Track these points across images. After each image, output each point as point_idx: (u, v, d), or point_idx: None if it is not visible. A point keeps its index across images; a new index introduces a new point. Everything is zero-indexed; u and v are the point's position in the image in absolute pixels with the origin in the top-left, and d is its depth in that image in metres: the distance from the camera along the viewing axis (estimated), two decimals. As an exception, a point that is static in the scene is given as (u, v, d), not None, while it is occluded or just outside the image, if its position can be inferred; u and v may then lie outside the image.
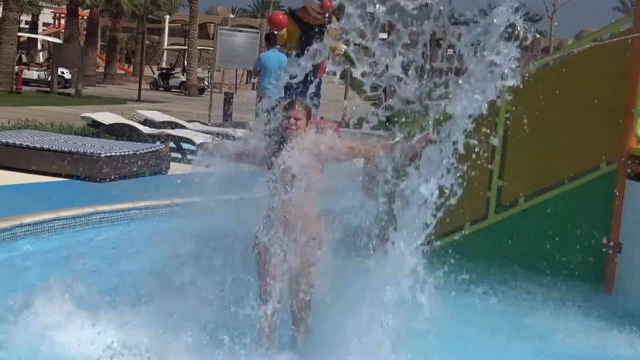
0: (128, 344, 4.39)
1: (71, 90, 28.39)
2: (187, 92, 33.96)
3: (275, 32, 7.67)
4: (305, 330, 4.78)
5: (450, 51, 4.51)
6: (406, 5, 4.43)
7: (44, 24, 54.45)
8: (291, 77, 7.91)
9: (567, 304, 6.10)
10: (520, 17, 4.27)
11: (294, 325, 4.81)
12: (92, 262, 6.44)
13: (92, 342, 4.45)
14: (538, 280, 6.42)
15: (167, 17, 50.53)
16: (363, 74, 4.70)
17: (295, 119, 4.66)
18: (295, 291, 4.75)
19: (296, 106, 4.72)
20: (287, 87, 7.95)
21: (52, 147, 9.88)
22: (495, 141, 5.68)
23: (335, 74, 5.08)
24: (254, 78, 14.44)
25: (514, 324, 5.64)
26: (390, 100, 4.84)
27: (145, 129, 12.40)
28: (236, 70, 32.38)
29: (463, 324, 5.44)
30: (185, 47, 36.69)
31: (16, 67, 27.49)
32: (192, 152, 12.14)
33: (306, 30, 7.59)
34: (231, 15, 79.34)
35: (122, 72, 44.77)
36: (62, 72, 30.24)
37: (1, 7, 28.61)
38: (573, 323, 5.78)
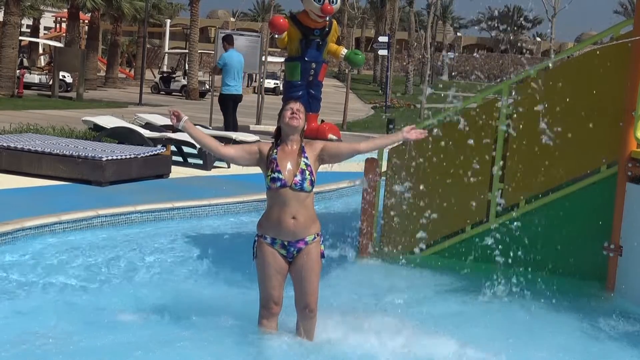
0: None
1: (72, 94, 28.39)
2: (188, 96, 33.96)
3: (277, 36, 7.69)
4: (310, 329, 4.81)
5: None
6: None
7: (45, 28, 54.55)
8: (294, 79, 7.93)
9: (567, 304, 6.11)
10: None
11: (299, 324, 4.84)
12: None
13: None
14: (539, 280, 6.43)
15: (168, 20, 50.62)
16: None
17: (298, 110, 4.74)
18: (301, 294, 4.76)
19: (296, 101, 4.90)
20: (290, 89, 7.96)
21: (53, 150, 9.88)
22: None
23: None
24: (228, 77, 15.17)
25: (514, 321, 5.65)
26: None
27: (147, 133, 12.38)
28: (237, 73, 32.35)
29: (463, 322, 5.45)
30: (187, 51, 36.68)
31: (17, 71, 27.51)
32: (194, 156, 12.16)
33: (307, 34, 7.61)
34: (232, 19, 79.35)
35: (123, 75, 44.80)
36: (64, 76, 30.24)
37: (2, 11, 28.64)
38: (574, 322, 5.80)
